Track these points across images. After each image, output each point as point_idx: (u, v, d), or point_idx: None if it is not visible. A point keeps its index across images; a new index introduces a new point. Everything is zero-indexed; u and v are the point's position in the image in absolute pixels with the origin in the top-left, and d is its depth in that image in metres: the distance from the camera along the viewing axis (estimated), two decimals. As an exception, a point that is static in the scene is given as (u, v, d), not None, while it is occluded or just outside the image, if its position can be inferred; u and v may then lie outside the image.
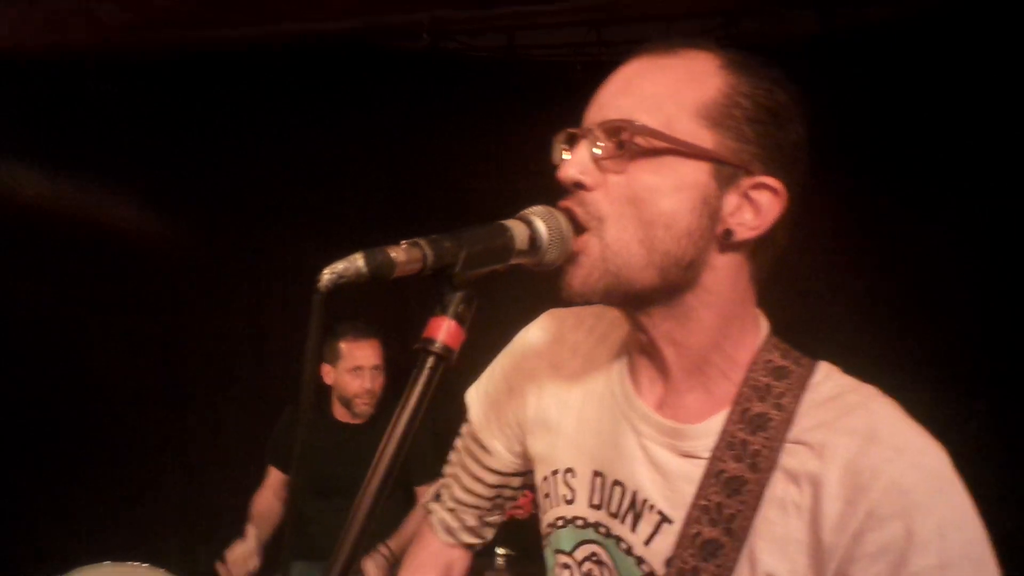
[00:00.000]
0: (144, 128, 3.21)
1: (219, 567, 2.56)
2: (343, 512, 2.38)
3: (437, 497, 1.11)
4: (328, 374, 2.78)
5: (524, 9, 2.64)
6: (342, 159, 3.23)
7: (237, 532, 2.73)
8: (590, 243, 0.75)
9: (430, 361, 0.64)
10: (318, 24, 2.84)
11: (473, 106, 3.04)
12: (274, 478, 2.88)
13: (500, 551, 2.38)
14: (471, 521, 1.08)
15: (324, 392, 2.86)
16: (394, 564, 2.62)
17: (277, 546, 2.74)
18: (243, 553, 2.61)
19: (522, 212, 0.75)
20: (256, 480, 2.91)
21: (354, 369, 2.72)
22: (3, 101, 3.11)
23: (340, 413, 2.83)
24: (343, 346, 2.75)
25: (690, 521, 0.77)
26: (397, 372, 2.84)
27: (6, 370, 3.17)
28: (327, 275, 0.58)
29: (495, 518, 1.10)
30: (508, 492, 1.07)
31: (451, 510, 1.08)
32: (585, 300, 0.76)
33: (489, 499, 1.06)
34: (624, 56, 0.81)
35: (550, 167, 0.82)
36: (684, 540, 0.77)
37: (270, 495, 2.87)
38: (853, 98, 2.58)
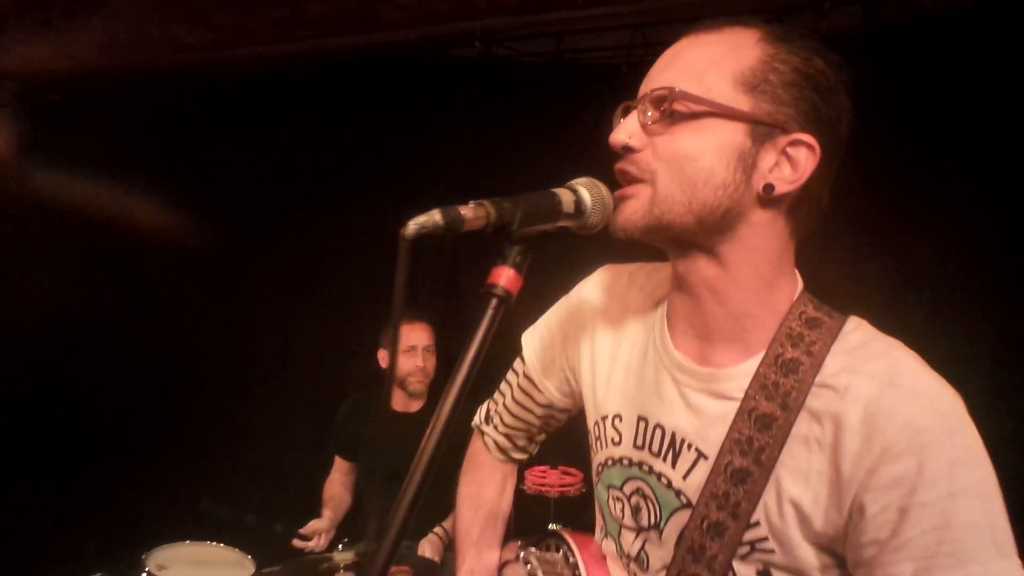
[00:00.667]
0: (210, 141, 3.45)
1: (296, 541, 2.73)
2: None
3: (488, 420, 1.23)
4: (384, 358, 2.95)
5: (571, 15, 2.74)
6: (398, 165, 3.40)
7: (309, 514, 2.92)
8: (642, 190, 0.85)
9: (493, 302, 0.76)
10: (375, 36, 3.01)
11: (524, 109, 3.17)
12: (340, 466, 3.05)
13: (553, 527, 2.48)
14: (521, 442, 1.22)
15: (382, 384, 3.03)
16: (447, 545, 2.76)
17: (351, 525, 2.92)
18: (317, 528, 2.80)
19: (569, 182, 0.86)
20: (320, 466, 3.11)
21: (408, 350, 2.88)
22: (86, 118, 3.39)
23: (399, 403, 2.99)
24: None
25: (723, 453, 0.86)
26: (448, 359, 3.00)
27: (87, 366, 3.42)
28: (411, 226, 0.70)
29: (541, 437, 1.24)
30: (555, 419, 1.19)
31: (504, 434, 1.21)
32: (627, 235, 0.86)
33: (538, 425, 1.20)
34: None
35: (597, 162, 0.93)
36: (716, 470, 0.86)
37: (338, 481, 3.04)
38: (897, 94, 2.61)
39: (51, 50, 3.01)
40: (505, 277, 0.75)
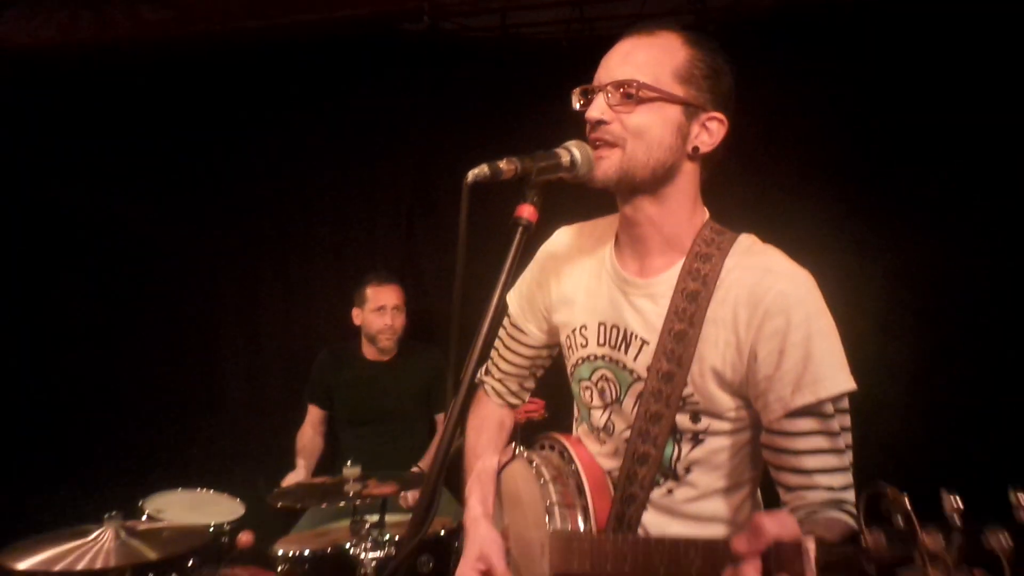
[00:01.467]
0: (168, 117, 3.58)
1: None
2: (373, 438, 2.93)
3: (487, 372, 1.54)
4: (357, 316, 3.21)
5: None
6: (352, 139, 3.61)
7: (288, 464, 3.17)
8: (614, 152, 1.16)
9: (519, 230, 1.05)
10: (328, 13, 3.18)
11: (471, 82, 3.42)
12: (313, 414, 3.29)
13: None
14: (514, 387, 1.53)
15: (355, 335, 3.29)
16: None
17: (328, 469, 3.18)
18: (294, 479, 3.03)
19: (565, 144, 1.15)
20: (292, 423, 3.34)
21: (378, 309, 3.15)
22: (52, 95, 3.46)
23: (369, 352, 3.25)
24: (369, 290, 3.18)
25: (661, 339, 1.20)
26: (413, 317, 3.29)
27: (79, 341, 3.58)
28: (471, 175, 1.00)
29: (530, 384, 1.55)
30: (539, 363, 1.52)
31: (499, 380, 1.52)
32: (604, 185, 1.18)
33: (527, 368, 1.51)
34: (603, 31, 1.22)
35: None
36: (657, 352, 1.20)
37: (310, 430, 3.28)
38: (808, 67, 2.98)
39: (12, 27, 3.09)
40: (527, 211, 1.05)
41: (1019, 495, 0.69)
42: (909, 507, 0.73)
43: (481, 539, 1.31)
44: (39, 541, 2.18)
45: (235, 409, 3.67)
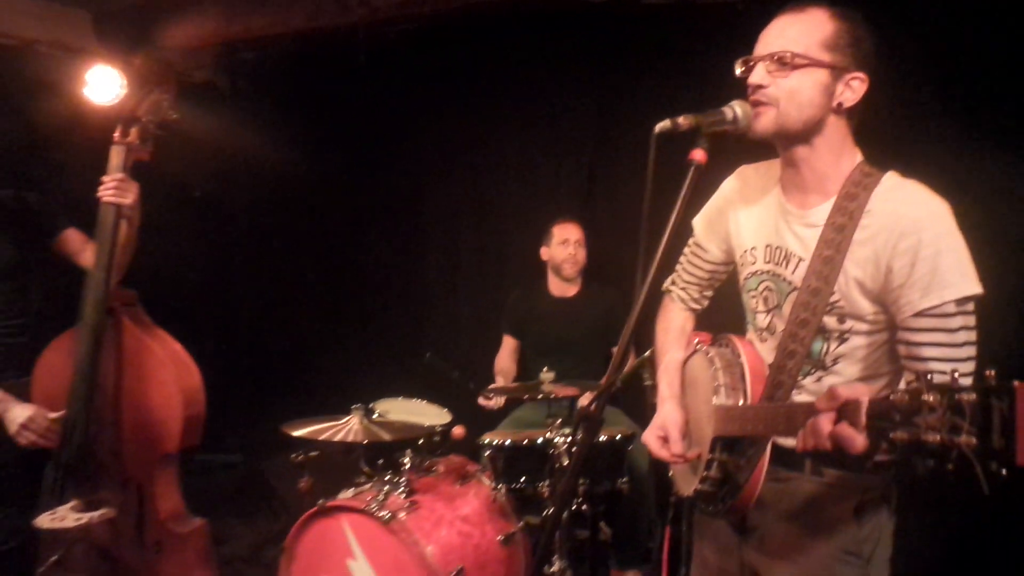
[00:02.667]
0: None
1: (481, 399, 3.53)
2: (556, 366, 3.49)
3: (672, 283, 1.89)
4: (544, 253, 3.68)
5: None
6: (540, 99, 4.06)
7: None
8: (769, 110, 1.47)
9: (692, 170, 1.41)
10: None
11: (647, 45, 3.72)
12: (508, 344, 3.80)
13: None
14: (695, 295, 1.87)
15: (543, 275, 3.77)
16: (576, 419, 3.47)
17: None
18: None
19: (729, 103, 1.49)
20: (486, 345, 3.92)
21: (562, 242, 3.60)
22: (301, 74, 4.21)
23: (555, 288, 3.72)
24: (555, 228, 3.64)
25: (814, 257, 1.50)
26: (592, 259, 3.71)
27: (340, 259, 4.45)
28: (657, 127, 1.37)
29: (708, 293, 1.88)
30: (717, 277, 1.84)
31: (683, 288, 1.87)
32: (761, 137, 1.48)
33: (706, 280, 1.84)
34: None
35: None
36: (811, 268, 1.51)
37: (506, 357, 3.81)
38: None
39: (267, 19, 3.79)
40: (699, 155, 1.39)
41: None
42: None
43: (665, 414, 1.69)
44: (308, 420, 2.86)
45: (438, 334, 4.33)
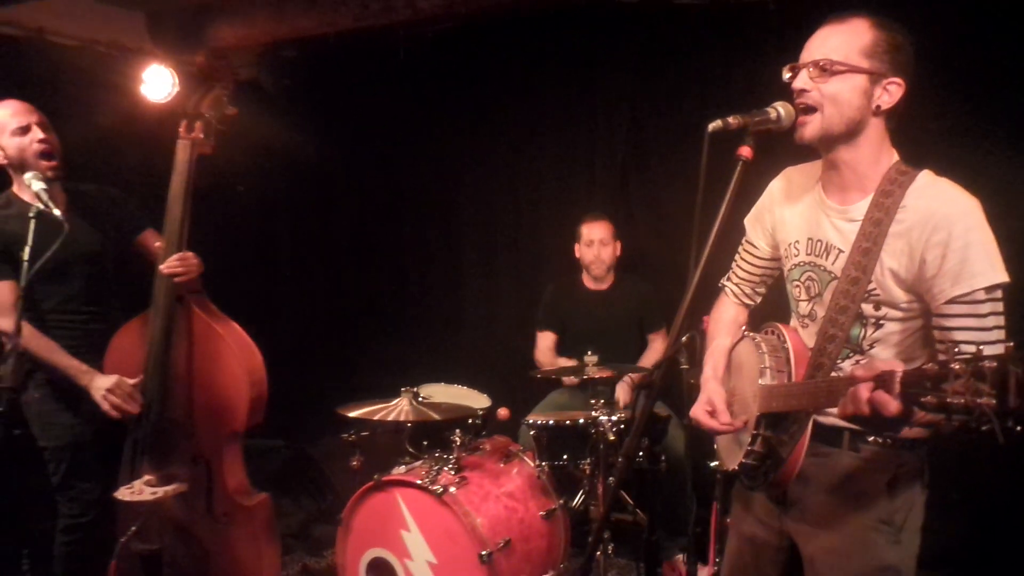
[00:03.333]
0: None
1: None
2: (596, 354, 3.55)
3: (728, 279, 2.01)
4: (577, 250, 3.82)
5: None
6: (576, 96, 4.19)
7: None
8: (814, 117, 1.58)
9: (740, 165, 1.54)
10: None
11: (681, 45, 3.83)
12: (547, 339, 3.92)
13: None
14: (747, 290, 1.99)
15: (578, 269, 3.91)
16: (634, 389, 3.62)
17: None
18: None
19: (773, 104, 1.61)
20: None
21: (589, 243, 3.74)
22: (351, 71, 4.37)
23: (588, 283, 3.86)
24: (583, 227, 3.77)
25: (853, 250, 1.62)
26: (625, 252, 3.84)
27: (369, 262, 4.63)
28: (711, 126, 1.49)
29: (761, 290, 1.99)
30: (769, 272, 1.95)
31: (736, 284, 1.99)
32: (806, 141, 1.60)
33: (758, 276, 1.96)
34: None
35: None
36: (850, 259, 1.63)
37: (545, 351, 3.93)
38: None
39: (315, 21, 3.94)
40: (746, 151, 1.52)
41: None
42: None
43: (710, 392, 1.81)
44: (361, 403, 3.03)
45: (476, 323, 4.53)
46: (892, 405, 1.23)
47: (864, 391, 1.29)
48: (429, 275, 4.73)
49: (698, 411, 1.80)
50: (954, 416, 1.06)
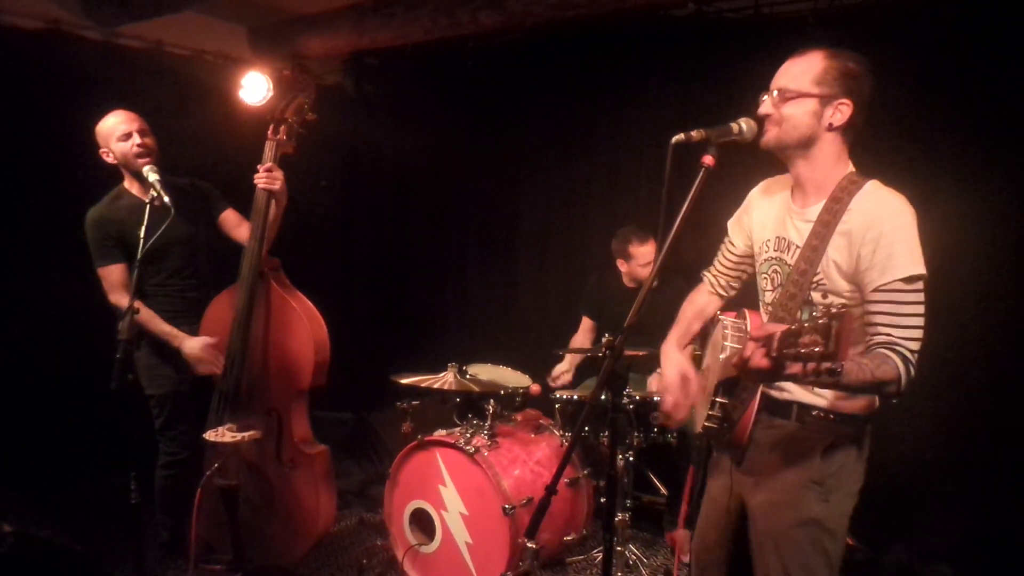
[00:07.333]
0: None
1: (548, 378, 4.03)
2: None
3: (708, 271, 2.31)
4: (622, 265, 4.06)
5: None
6: (626, 110, 4.48)
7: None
8: (772, 129, 1.87)
9: (703, 172, 1.83)
10: (618, 5, 3.99)
11: (731, 59, 4.05)
12: (585, 323, 4.25)
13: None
14: (724, 282, 2.27)
15: (615, 269, 4.20)
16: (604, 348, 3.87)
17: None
18: (562, 369, 4.06)
19: (736, 120, 1.89)
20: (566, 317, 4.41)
21: (645, 264, 3.98)
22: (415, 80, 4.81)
23: (628, 282, 4.16)
24: (632, 249, 3.99)
25: (805, 246, 1.89)
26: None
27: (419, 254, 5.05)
28: (674, 139, 1.81)
29: (736, 284, 2.27)
30: (743, 269, 2.22)
31: (715, 276, 2.28)
32: (768, 148, 1.89)
33: (734, 271, 2.24)
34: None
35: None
36: (803, 252, 1.90)
37: (582, 334, 4.28)
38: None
39: (391, 33, 4.39)
40: (708, 160, 1.82)
41: None
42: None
43: (676, 360, 2.12)
44: (412, 373, 3.44)
45: (528, 308, 4.92)
46: (761, 359, 1.49)
47: (747, 349, 1.55)
48: (488, 268, 5.14)
49: (672, 375, 2.09)
50: (806, 363, 1.37)
